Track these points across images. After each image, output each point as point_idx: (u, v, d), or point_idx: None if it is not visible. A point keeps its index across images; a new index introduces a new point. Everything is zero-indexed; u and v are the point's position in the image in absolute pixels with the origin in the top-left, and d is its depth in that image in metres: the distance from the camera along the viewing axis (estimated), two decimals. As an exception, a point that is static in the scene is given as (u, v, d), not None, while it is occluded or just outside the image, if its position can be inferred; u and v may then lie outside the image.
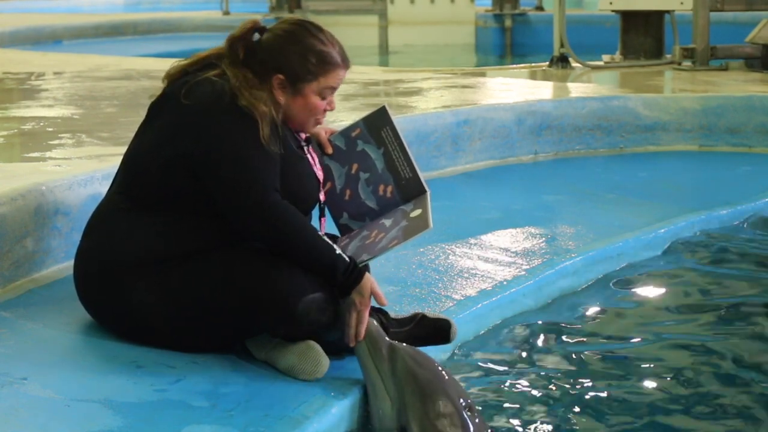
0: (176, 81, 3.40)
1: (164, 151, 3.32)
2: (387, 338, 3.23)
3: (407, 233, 3.39)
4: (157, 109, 3.43)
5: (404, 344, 3.25)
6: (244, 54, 3.37)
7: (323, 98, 3.40)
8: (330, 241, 3.31)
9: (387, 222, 3.52)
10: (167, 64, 3.53)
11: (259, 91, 3.31)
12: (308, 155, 3.50)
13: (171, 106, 3.36)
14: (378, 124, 3.64)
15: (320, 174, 3.54)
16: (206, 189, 3.30)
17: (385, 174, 3.61)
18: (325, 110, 3.44)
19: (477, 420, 3.08)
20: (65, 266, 3.92)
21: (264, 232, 3.28)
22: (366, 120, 3.66)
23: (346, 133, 3.67)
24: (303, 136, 3.54)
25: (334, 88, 3.42)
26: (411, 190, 3.59)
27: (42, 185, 4.03)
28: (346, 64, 3.43)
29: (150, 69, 8.79)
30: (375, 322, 3.27)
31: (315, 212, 3.56)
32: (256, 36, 3.40)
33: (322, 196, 3.55)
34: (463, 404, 3.08)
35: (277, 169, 3.31)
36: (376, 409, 3.17)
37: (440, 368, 3.20)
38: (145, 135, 3.43)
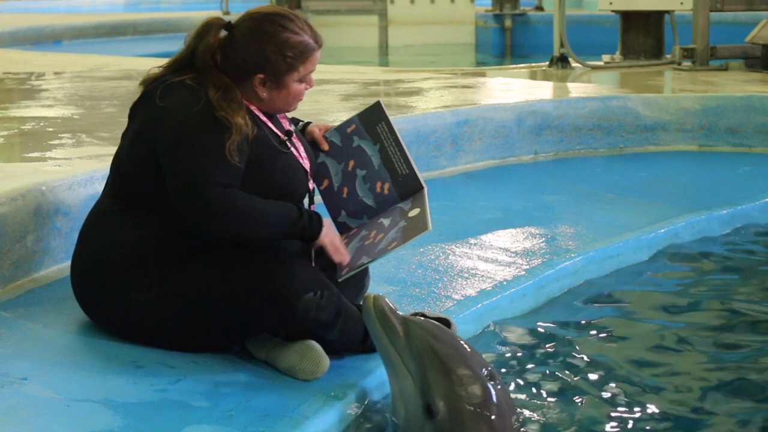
0: (153, 83, 3.40)
1: (140, 151, 3.33)
2: (400, 313, 3.14)
3: (407, 235, 3.38)
4: (136, 110, 3.43)
5: (419, 317, 3.16)
6: (220, 58, 3.36)
7: (303, 81, 3.42)
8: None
9: (385, 221, 3.51)
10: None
11: (237, 104, 3.30)
12: (292, 148, 3.49)
13: (147, 108, 3.36)
14: (373, 119, 3.63)
15: (306, 164, 3.52)
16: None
17: (381, 170, 3.60)
18: (305, 89, 3.45)
19: (500, 388, 3.03)
20: (65, 266, 3.92)
21: (219, 230, 3.23)
22: (361, 116, 3.66)
23: (341, 129, 3.67)
24: (287, 126, 3.52)
25: (312, 71, 3.43)
26: (408, 187, 3.57)
27: (42, 185, 4.03)
28: (320, 44, 3.43)
29: (150, 69, 8.76)
30: (387, 299, 3.17)
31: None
32: (223, 32, 3.39)
33: (310, 185, 3.54)
34: (485, 373, 3.02)
35: (234, 174, 3.25)
36: (397, 388, 3.09)
37: (459, 339, 3.14)
38: (126, 137, 3.44)
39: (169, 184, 3.26)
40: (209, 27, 3.38)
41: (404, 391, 3.06)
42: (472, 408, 2.95)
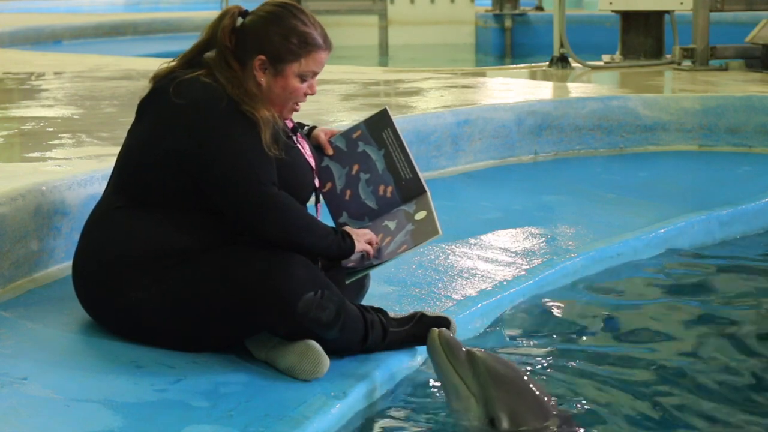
0: (163, 79, 3.40)
1: (157, 148, 3.33)
2: (463, 346, 3.31)
3: (416, 238, 3.42)
4: (146, 106, 3.43)
5: (481, 349, 3.35)
6: (233, 43, 3.37)
7: (303, 81, 3.40)
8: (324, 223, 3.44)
9: (391, 224, 3.52)
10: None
11: (259, 98, 3.32)
12: (297, 144, 3.50)
13: (160, 104, 3.35)
14: (379, 125, 3.65)
15: (312, 161, 3.54)
16: (204, 188, 3.30)
17: (385, 174, 3.62)
18: (305, 94, 3.43)
19: (560, 412, 3.21)
20: (65, 266, 3.92)
21: (266, 228, 3.28)
22: (367, 122, 3.68)
23: (347, 134, 3.69)
24: (290, 125, 3.54)
25: (315, 72, 3.41)
26: (411, 191, 3.60)
27: (42, 185, 4.03)
28: (328, 46, 3.43)
29: (150, 69, 8.72)
30: (450, 333, 3.36)
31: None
32: (240, 20, 3.41)
33: (317, 182, 3.55)
34: (546, 398, 3.22)
35: (274, 166, 3.31)
36: (460, 408, 3.24)
37: (515, 365, 3.37)
38: (136, 133, 3.44)
39: (217, 192, 3.28)
40: (228, 11, 3.42)
41: (467, 411, 3.22)
42: (529, 417, 3.16)
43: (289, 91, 3.39)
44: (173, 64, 3.45)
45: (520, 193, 5.92)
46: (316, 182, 3.56)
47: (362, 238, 3.47)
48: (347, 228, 3.49)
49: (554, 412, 3.21)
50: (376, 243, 3.50)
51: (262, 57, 3.35)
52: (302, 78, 3.39)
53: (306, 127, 3.72)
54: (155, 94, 3.40)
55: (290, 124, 3.55)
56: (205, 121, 3.28)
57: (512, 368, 3.31)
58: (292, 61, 3.36)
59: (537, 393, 3.24)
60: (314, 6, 16.29)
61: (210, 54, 3.40)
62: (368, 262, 3.43)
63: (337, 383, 3.24)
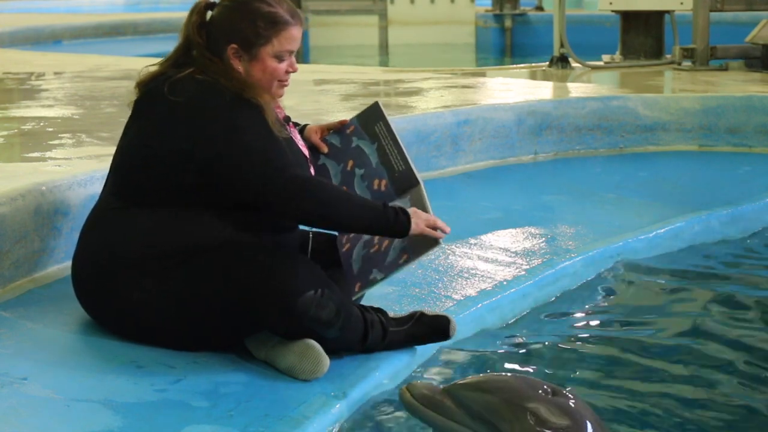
0: (154, 80, 3.40)
1: (156, 148, 3.32)
2: (436, 386, 3.08)
3: (416, 248, 3.41)
4: (142, 107, 3.42)
5: (454, 383, 3.09)
6: (204, 38, 3.37)
7: (281, 61, 3.40)
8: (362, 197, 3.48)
9: None
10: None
11: (254, 84, 3.33)
12: (290, 134, 3.51)
13: (157, 103, 3.35)
14: (371, 119, 3.67)
15: (305, 150, 3.54)
16: (222, 186, 3.29)
17: (379, 168, 3.63)
18: (287, 72, 3.43)
19: (571, 398, 2.96)
20: (65, 266, 3.92)
21: (308, 210, 3.29)
22: (359, 117, 3.70)
23: (340, 131, 3.70)
24: (282, 114, 3.54)
25: (291, 51, 3.41)
26: (404, 183, 3.59)
27: (42, 185, 4.03)
28: (296, 20, 3.43)
29: (143, 68, 8.74)
30: (418, 383, 3.12)
31: None
32: (209, 14, 3.41)
33: (312, 171, 3.55)
34: (549, 392, 2.95)
35: (286, 149, 3.34)
36: None
37: (502, 378, 3.14)
38: (131, 134, 3.43)
39: (245, 189, 3.27)
40: (194, 8, 3.42)
41: None
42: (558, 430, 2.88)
43: (269, 73, 3.40)
44: (157, 68, 3.44)
45: (520, 193, 5.92)
46: (312, 171, 3.55)
47: (422, 221, 3.36)
48: (412, 209, 3.39)
49: (571, 408, 2.91)
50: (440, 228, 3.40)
51: (234, 46, 3.36)
52: (279, 58, 3.40)
53: (298, 127, 3.72)
54: (151, 95, 3.39)
55: (282, 114, 3.55)
56: (211, 118, 3.29)
57: (502, 386, 2.98)
58: (264, 44, 3.37)
59: (545, 400, 2.91)
60: (314, 6, 16.30)
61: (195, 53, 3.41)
62: (372, 276, 3.43)
63: (337, 383, 3.24)
